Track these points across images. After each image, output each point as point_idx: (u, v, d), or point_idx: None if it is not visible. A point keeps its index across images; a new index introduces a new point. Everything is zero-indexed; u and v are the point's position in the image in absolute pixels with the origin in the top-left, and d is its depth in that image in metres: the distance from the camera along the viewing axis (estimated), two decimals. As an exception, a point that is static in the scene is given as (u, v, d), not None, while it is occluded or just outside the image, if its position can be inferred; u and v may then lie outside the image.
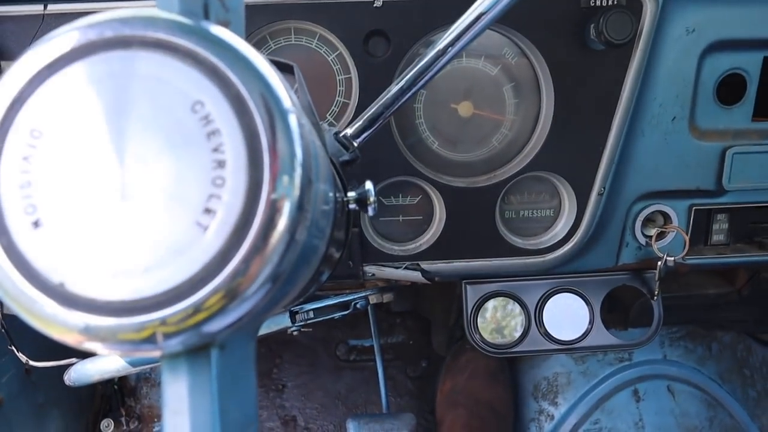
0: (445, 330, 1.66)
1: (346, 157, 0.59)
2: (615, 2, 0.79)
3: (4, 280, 0.32)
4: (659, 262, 0.93)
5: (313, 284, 0.56)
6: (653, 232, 0.94)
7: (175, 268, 0.32)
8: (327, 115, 0.84)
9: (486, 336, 0.97)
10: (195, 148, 0.32)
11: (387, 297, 1.01)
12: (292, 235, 0.33)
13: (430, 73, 0.60)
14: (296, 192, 0.33)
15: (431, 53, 0.60)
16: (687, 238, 0.92)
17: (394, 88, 0.60)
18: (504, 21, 0.80)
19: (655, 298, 0.98)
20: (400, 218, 0.89)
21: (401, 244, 0.90)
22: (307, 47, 0.82)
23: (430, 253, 0.88)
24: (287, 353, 1.76)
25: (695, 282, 1.38)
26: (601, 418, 1.47)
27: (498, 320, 0.97)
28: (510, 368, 1.55)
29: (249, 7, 0.77)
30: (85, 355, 1.21)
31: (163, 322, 0.31)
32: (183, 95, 0.33)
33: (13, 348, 1.18)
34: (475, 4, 0.60)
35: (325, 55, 0.82)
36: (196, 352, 0.33)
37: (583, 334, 0.97)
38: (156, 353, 0.33)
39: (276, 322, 1.05)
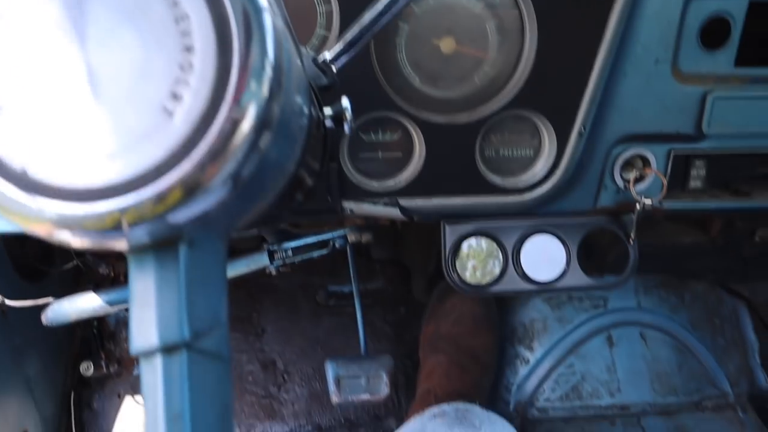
0: (424, 277, 1.67)
1: (324, 81, 0.58)
2: None
3: None
4: (637, 205, 0.93)
5: (286, 206, 0.56)
6: (632, 175, 0.94)
7: (140, 153, 0.31)
8: (307, 48, 0.82)
9: (464, 275, 0.98)
10: (161, 30, 0.31)
11: (366, 237, 1.01)
12: (260, 130, 0.32)
13: None
14: (264, 91, 0.32)
15: None
16: (665, 182, 0.92)
17: (373, 11, 0.59)
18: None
19: (632, 241, 0.99)
20: (380, 154, 0.89)
21: (380, 180, 0.89)
22: (286, -24, 0.80)
23: (409, 190, 0.87)
24: (267, 299, 1.77)
25: (671, 230, 1.40)
26: (575, 362, 1.51)
27: (476, 260, 0.98)
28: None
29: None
30: (62, 294, 1.21)
31: (128, 208, 0.31)
32: None
33: (-12, 286, 1.18)
34: None
35: (305, -16, 0.80)
36: (163, 247, 0.33)
37: (560, 275, 0.98)
38: (123, 244, 0.32)
39: (255, 261, 1.05)
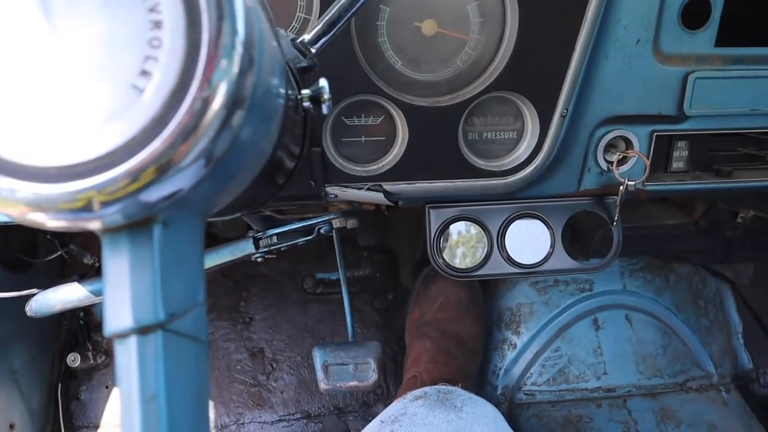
0: (411, 263, 1.68)
1: (303, 63, 0.57)
2: None
3: None
4: (621, 187, 0.94)
5: (266, 190, 0.55)
6: (615, 157, 0.94)
7: (110, 132, 0.31)
8: (287, 32, 0.82)
9: (449, 260, 0.98)
10: (128, 5, 0.31)
11: (351, 223, 1.01)
12: (232, 108, 0.32)
13: None
14: (235, 68, 0.32)
15: None
16: (648, 163, 0.93)
17: (352, -9, 0.58)
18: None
19: (615, 223, 0.99)
20: (363, 139, 0.88)
21: (364, 165, 0.89)
22: (265, -42, 0.79)
23: (393, 174, 0.87)
24: (254, 287, 1.77)
25: (654, 213, 1.41)
26: (562, 346, 1.52)
27: (461, 244, 0.98)
28: (479, 301, 1.58)
29: None
30: (47, 286, 1.20)
31: (99, 188, 0.30)
32: None
33: (-30, 278, 1.16)
34: None
35: (284, -33, 0.79)
36: (137, 227, 0.33)
37: (544, 258, 0.99)
38: (95, 224, 0.32)
39: (240, 249, 1.05)
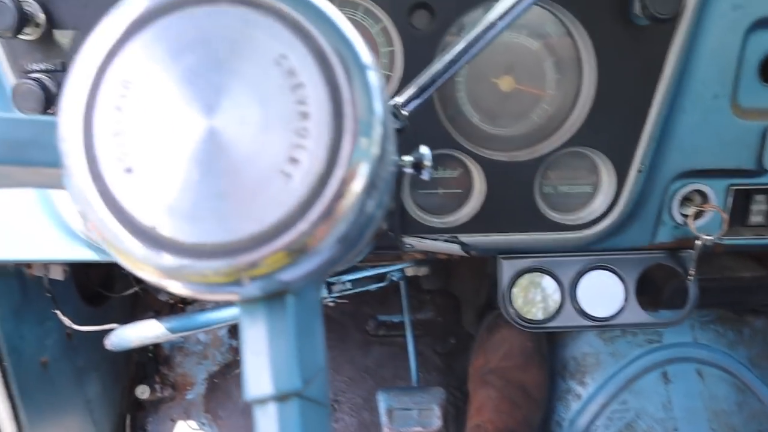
0: (474, 308, 1.67)
1: (396, 125, 0.60)
2: None
3: (99, 224, 0.34)
4: (696, 242, 0.93)
5: (362, 252, 0.58)
6: (691, 211, 0.93)
7: (261, 214, 0.33)
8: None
9: (520, 311, 0.98)
10: (280, 99, 0.34)
11: (422, 270, 1.03)
12: (370, 191, 0.34)
13: (479, 45, 0.61)
14: (376, 148, 0.34)
15: (481, 26, 0.61)
16: (726, 218, 0.92)
17: (445, 59, 0.61)
18: (547, -7, 0.80)
19: (691, 278, 0.98)
20: (440, 191, 0.90)
21: (440, 216, 0.91)
22: (351, 19, 0.82)
23: (470, 226, 0.89)
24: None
25: (728, 265, 1.37)
26: (629, 398, 1.48)
27: (532, 296, 0.98)
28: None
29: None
30: (124, 322, 1.25)
31: (249, 266, 0.33)
32: (268, 49, 0.34)
33: (58, 312, 1.23)
34: None
35: (368, 27, 0.83)
36: (273, 297, 0.35)
37: (617, 312, 0.98)
38: (235, 297, 0.35)
39: (312, 293, 1.07)
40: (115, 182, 0.34)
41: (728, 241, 0.96)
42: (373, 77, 0.35)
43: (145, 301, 1.78)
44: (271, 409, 0.34)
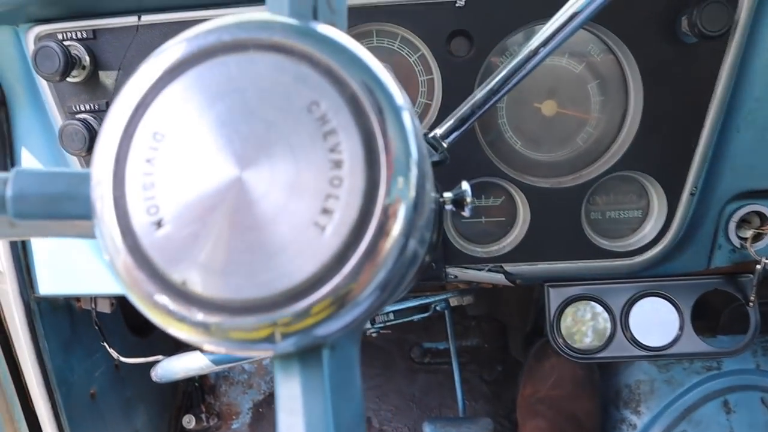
0: (521, 334, 1.63)
1: (435, 158, 0.59)
2: None
3: (129, 280, 0.34)
4: (757, 266, 0.88)
5: (404, 291, 0.56)
6: (749, 233, 0.89)
7: (293, 268, 0.32)
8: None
9: (569, 340, 0.95)
10: (312, 148, 0.33)
11: (467, 299, 1.01)
12: (408, 236, 0.33)
13: (522, 74, 0.59)
14: (412, 192, 0.33)
15: (523, 53, 0.59)
16: (786, 240, 0.87)
17: (485, 89, 0.60)
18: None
19: (752, 303, 0.93)
20: (483, 220, 0.88)
21: (484, 245, 0.88)
22: (389, 49, 0.83)
23: (514, 255, 0.86)
24: (362, 355, 1.77)
25: (792, 287, 1.30)
26: (688, 429, 1.41)
27: (582, 324, 0.95)
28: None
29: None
30: (170, 352, 1.26)
31: (282, 322, 0.32)
32: (299, 96, 0.33)
33: (105, 344, 1.25)
34: (569, 4, 0.58)
35: (407, 56, 0.83)
36: (308, 353, 0.34)
37: (673, 341, 0.93)
38: (269, 353, 0.33)
39: (355, 323, 1.06)
40: (145, 236, 0.34)
41: (791, 264, 0.91)
42: (408, 119, 0.34)
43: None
44: None
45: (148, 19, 0.81)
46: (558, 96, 0.84)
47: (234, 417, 1.79)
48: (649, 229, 0.87)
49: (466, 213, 0.50)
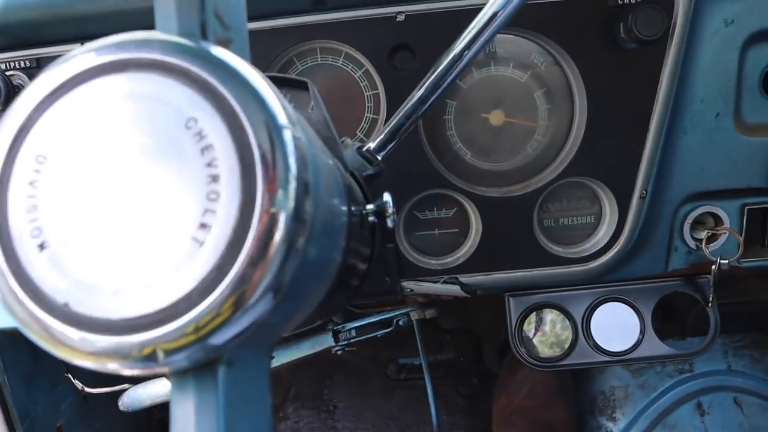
0: (495, 346, 1.62)
1: (370, 171, 0.59)
2: None
3: (13, 304, 0.33)
4: (713, 266, 0.88)
5: (342, 297, 0.55)
6: (703, 234, 0.89)
7: (172, 284, 0.32)
8: (357, 132, 0.84)
9: (532, 349, 0.94)
10: (189, 164, 0.33)
11: (429, 313, 1.00)
12: (290, 246, 0.32)
13: (449, 79, 0.60)
14: (291, 204, 0.33)
15: (448, 59, 0.59)
16: (741, 240, 0.87)
17: (415, 97, 0.60)
18: (529, 25, 0.79)
19: (710, 304, 0.93)
20: (436, 232, 0.88)
21: (438, 258, 0.88)
22: (333, 65, 0.83)
23: (469, 266, 0.86)
24: (337, 374, 1.76)
25: (757, 287, 1.31)
26: (664, 433, 1.41)
27: (544, 333, 0.94)
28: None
29: (274, 31, 0.78)
30: (137, 381, 1.24)
31: (162, 339, 0.31)
32: (177, 113, 0.33)
33: (69, 375, 1.22)
34: (488, 5, 0.59)
35: (351, 72, 0.83)
36: (202, 369, 0.33)
37: (635, 345, 0.93)
38: (162, 370, 0.33)
39: (319, 342, 1.05)
40: (28, 259, 0.33)
41: (748, 263, 0.92)
42: (287, 135, 0.34)
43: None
44: None
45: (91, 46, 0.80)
46: (505, 105, 0.85)
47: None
48: (602, 234, 0.87)
49: (389, 224, 0.50)
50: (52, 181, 0.34)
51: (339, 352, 1.04)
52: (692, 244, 0.90)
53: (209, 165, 0.32)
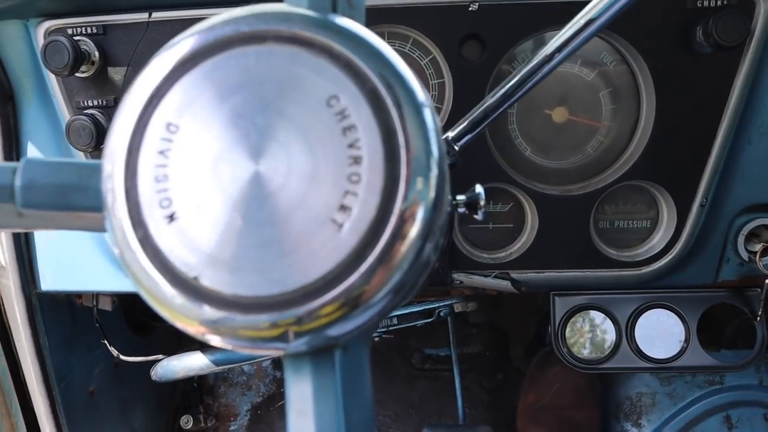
0: (523, 343, 1.62)
1: (448, 161, 0.58)
2: (725, 2, 0.75)
3: (139, 273, 0.33)
4: (766, 280, 0.87)
5: (412, 295, 0.55)
6: (758, 247, 0.88)
7: (308, 265, 0.31)
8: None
9: (574, 350, 0.94)
10: (331, 143, 0.32)
11: (471, 306, 1.00)
12: (425, 239, 0.32)
13: (535, 79, 0.59)
14: (432, 193, 0.32)
15: (537, 58, 0.59)
16: (796, 255, 0.86)
17: (499, 93, 0.59)
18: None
19: (759, 318, 0.92)
20: (491, 226, 0.88)
21: (491, 252, 0.88)
22: (400, 51, 0.82)
23: (521, 262, 0.85)
24: (363, 359, 1.76)
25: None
26: (689, 443, 1.40)
27: (587, 334, 0.94)
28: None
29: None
30: (170, 351, 1.25)
31: (296, 320, 0.31)
32: (318, 90, 0.33)
33: (106, 342, 1.24)
34: (585, 10, 0.58)
35: (418, 59, 0.82)
36: (319, 353, 0.33)
37: (678, 353, 0.92)
38: (281, 352, 0.33)
39: (358, 328, 1.05)
40: (157, 229, 0.33)
41: (800, 279, 0.90)
42: (429, 116, 0.33)
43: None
44: None
45: (158, 15, 0.80)
46: (569, 103, 0.84)
47: (232, 419, 1.78)
48: (658, 239, 0.86)
49: (479, 216, 0.49)
50: (184, 151, 0.33)
51: (376, 339, 1.04)
52: (745, 255, 0.89)
53: (351, 146, 0.32)
